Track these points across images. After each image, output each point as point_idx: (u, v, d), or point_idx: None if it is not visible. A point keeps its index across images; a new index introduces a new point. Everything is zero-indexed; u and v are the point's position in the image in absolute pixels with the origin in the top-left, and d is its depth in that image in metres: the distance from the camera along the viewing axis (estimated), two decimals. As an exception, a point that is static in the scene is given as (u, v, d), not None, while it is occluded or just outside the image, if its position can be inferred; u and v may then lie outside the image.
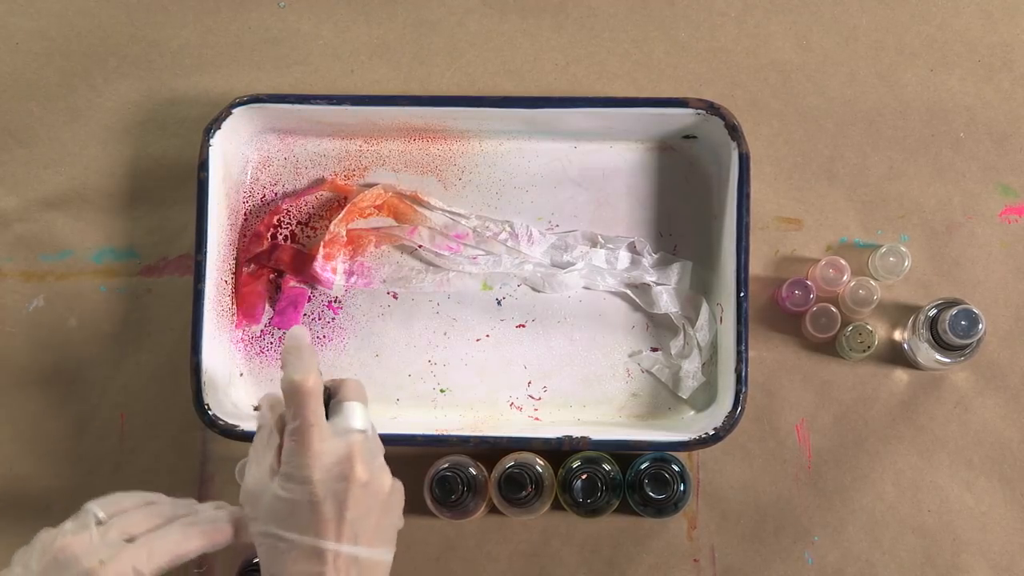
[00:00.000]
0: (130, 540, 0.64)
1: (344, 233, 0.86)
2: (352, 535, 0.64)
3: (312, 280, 0.87)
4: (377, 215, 0.88)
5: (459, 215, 0.87)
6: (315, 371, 0.66)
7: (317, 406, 0.66)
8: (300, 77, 0.90)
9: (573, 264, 0.86)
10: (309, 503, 0.64)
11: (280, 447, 0.67)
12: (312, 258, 0.86)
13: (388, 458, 0.68)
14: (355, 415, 0.68)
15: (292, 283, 0.87)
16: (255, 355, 0.87)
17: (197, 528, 0.66)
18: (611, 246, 0.86)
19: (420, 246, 0.87)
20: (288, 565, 0.64)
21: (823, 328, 0.85)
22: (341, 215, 0.86)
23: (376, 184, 0.87)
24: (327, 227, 0.86)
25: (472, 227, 0.87)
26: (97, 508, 0.65)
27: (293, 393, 0.65)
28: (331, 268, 0.86)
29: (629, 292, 0.86)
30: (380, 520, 0.66)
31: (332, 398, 0.69)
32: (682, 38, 0.89)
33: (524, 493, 0.79)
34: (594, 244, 0.87)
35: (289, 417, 0.66)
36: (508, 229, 0.87)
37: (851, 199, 0.88)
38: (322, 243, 0.85)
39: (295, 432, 0.65)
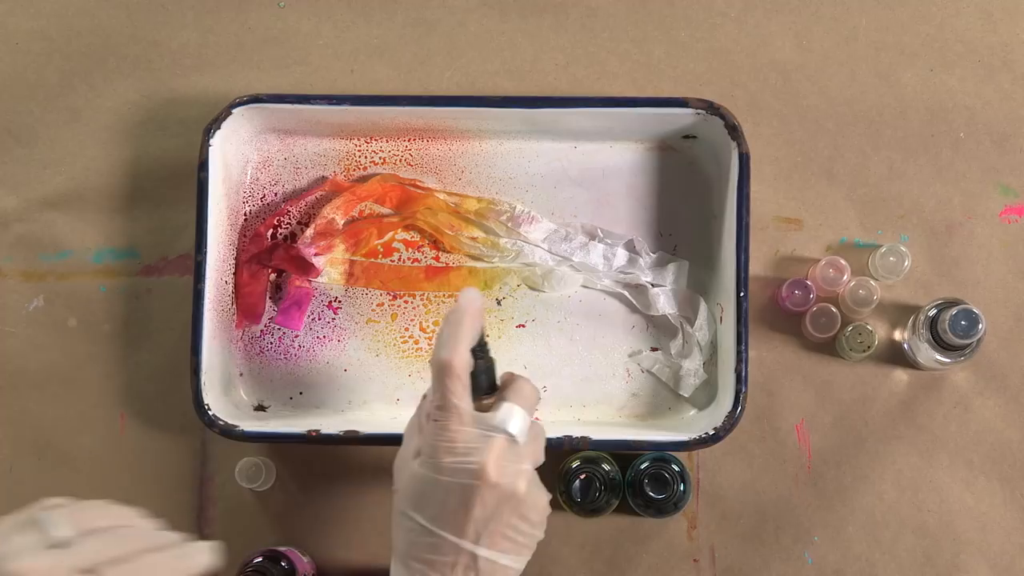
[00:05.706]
0: (89, 572, 0.55)
1: (340, 220, 0.86)
2: (475, 534, 0.63)
3: (302, 271, 0.86)
4: (378, 205, 0.87)
5: (461, 195, 0.87)
6: (465, 351, 0.64)
7: (458, 388, 0.63)
8: (300, 77, 0.90)
9: (572, 254, 0.86)
10: (436, 488, 0.62)
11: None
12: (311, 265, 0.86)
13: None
14: (511, 418, 0.64)
15: (298, 283, 0.87)
16: (255, 355, 0.87)
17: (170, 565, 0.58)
18: (609, 241, 0.86)
19: (422, 226, 0.86)
20: (410, 545, 0.63)
21: (823, 328, 0.85)
22: (337, 201, 0.86)
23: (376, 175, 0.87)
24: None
25: (473, 210, 0.87)
26: (56, 522, 0.56)
27: (438, 371, 0.63)
28: (317, 247, 0.85)
29: (626, 294, 0.86)
30: (510, 524, 0.64)
31: (497, 390, 0.67)
32: (682, 38, 0.89)
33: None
34: (592, 237, 0.87)
35: (431, 394, 0.64)
36: (509, 211, 0.86)
37: (851, 199, 0.88)
38: (313, 224, 0.85)
39: (436, 412, 0.63)
